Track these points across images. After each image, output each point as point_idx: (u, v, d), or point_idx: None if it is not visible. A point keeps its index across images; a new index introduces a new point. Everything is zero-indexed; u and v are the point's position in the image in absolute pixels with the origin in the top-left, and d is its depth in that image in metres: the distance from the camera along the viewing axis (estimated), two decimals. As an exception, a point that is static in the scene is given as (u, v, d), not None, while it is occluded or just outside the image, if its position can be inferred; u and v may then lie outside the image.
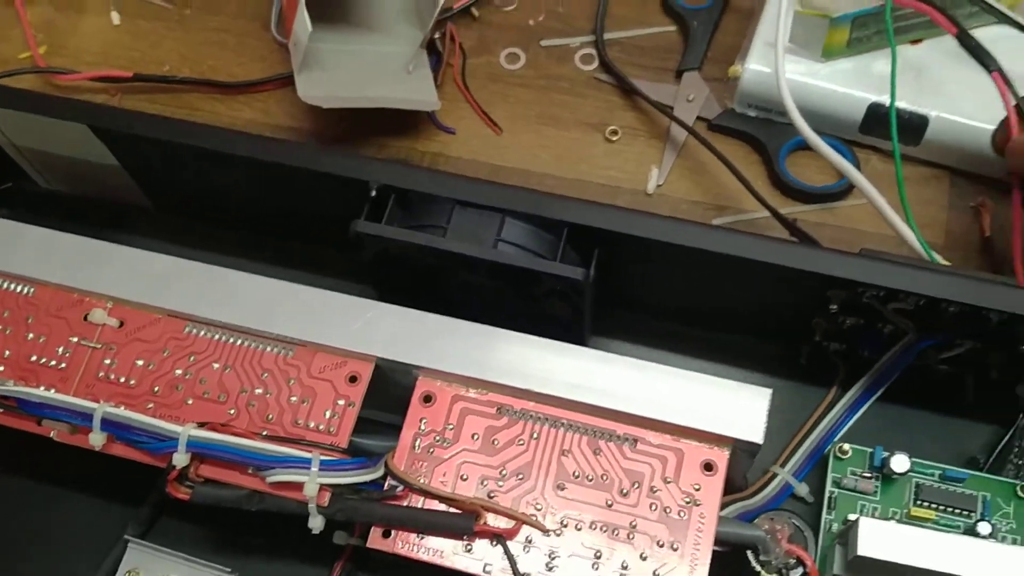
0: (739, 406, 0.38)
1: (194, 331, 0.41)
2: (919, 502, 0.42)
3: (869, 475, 0.43)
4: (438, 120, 0.55)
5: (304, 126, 0.55)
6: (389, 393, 0.40)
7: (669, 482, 0.38)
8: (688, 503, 0.38)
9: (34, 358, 0.41)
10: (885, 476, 0.42)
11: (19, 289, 0.42)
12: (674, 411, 0.38)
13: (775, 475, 0.44)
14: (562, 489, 0.38)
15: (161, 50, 0.58)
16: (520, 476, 0.38)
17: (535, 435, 0.39)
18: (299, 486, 0.37)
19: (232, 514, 0.43)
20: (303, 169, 0.41)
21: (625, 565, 0.37)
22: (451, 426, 0.39)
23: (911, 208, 0.47)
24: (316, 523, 0.38)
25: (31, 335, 0.41)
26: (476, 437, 0.39)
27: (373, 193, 0.41)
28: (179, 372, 0.40)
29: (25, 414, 0.39)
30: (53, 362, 0.40)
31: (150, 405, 0.40)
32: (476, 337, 0.40)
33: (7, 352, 0.41)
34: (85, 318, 0.41)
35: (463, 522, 0.37)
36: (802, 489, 0.44)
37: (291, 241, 0.49)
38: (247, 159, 0.42)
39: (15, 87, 0.47)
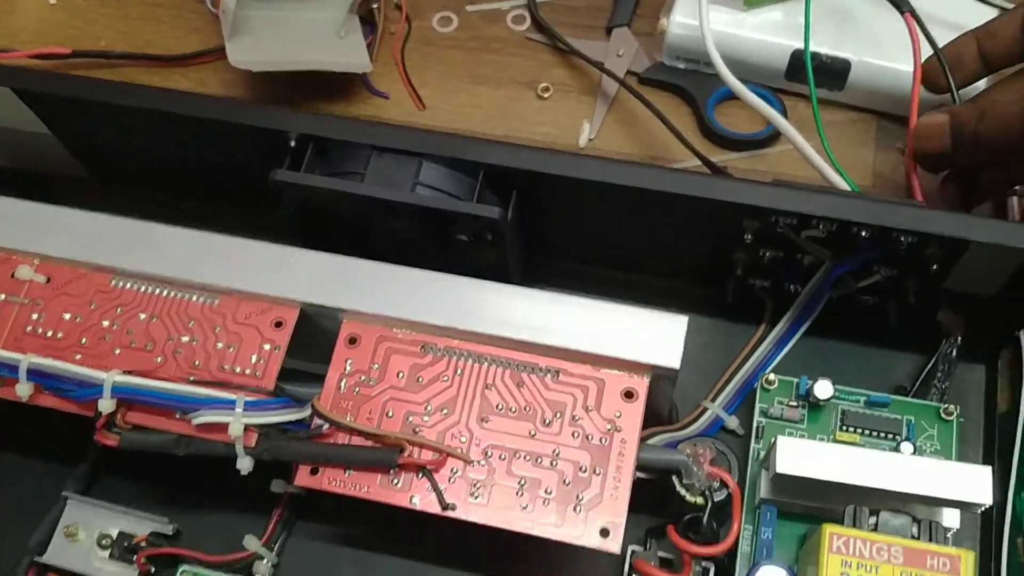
0: (657, 334, 0.39)
1: (120, 284, 0.41)
2: (844, 427, 0.43)
3: (795, 404, 0.43)
4: (371, 85, 0.56)
5: (239, 94, 0.56)
6: (317, 340, 0.41)
7: (590, 410, 0.39)
8: (609, 429, 0.38)
9: (-42, 318, 0.41)
10: (811, 404, 0.43)
11: (-60, 253, 0.42)
12: (593, 341, 0.39)
13: (705, 409, 0.44)
14: (486, 422, 0.39)
15: (97, 27, 0.59)
16: (444, 411, 0.39)
17: (459, 371, 0.40)
18: (225, 427, 0.38)
19: (171, 468, 0.44)
20: (222, 122, 0.42)
21: (548, 491, 0.38)
22: (376, 366, 0.40)
23: (838, 151, 0.48)
24: (244, 464, 0.38)
25: (-45, 295, 0.41)
26: (401, 375, 0.40)
27: (292, 143, 0.42)
28: (106, 324, 0.41)
29: (-52, 370, 0.40)
30: (-21, 320, 0.41)
31: (78, 356, 0.40)
32: (398, 278, 0.40)
33: (-71, 313, 0.41)
34: (12, 275, 0.41)
35: (387, 456, 0.38)
36: (732, 422, 0.45)
37: (218, 202, 0.49)
38: (168, 114, 0.43)
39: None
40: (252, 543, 0.42)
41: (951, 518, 0.38)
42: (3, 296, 0.41)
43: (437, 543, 0.44)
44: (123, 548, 0.43)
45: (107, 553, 0.43)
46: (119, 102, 0.43)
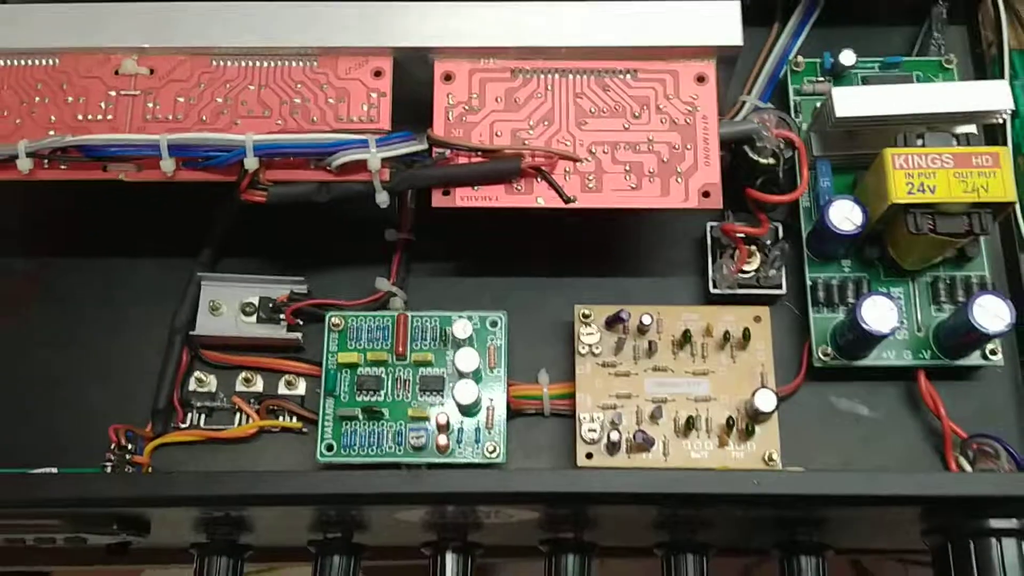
0: (715, 19, 0.44)
1: (221, 62, 0.44)
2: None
3: (822, 79, 0.50)
4: None
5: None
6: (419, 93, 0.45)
7: (671, 98, 0.44)
8: (691, 111, 0.44)
9: (80, 116, 0.43)
10: (836, 75, 0.50)
11: (43, 62, 0.44)
12: (664, 35, 0.44)
13: (744, 102, 0.51)
14: (584, 124, 0.44)
15: None
16: (546, 123, 0.44)
17: (549, 87, 0.44)
18: (362, 166, 0.42)
19: (284, 237, 0.48)
20: None
21: (651, 170, 0.43)
22: (475, 95, 0.44)
23: None
24: (382, 198, 0.43)
25: (70, 98, 0.44)
26: (499, 100, 0.44)
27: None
28: (220, 100, 0.44)
29: (90, 160, 0.42)
30: (100, 116, 0.43)
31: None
32: (476, 13, 0.44)
33: (52, 117, 0.43)
34: (116, 72, 0.44)
35: (511, 164, 0.43)
36: (769, 109, 0.51)
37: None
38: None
39: None
40: (383, 284, 0.47)
41: (971, 130, 0.46)
42: (115, 92, 0.44)
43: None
44: (268, 309, 0.47)
45: (253, 318, 0.47)
46: None
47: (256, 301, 0.47)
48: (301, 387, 0.47)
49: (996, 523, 0.36)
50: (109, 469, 0.44)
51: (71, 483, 0.38)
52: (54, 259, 0.49)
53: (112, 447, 0.45)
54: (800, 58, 0.50)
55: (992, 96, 0.44)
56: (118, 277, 0.49)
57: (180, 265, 0.48)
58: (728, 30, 0.44)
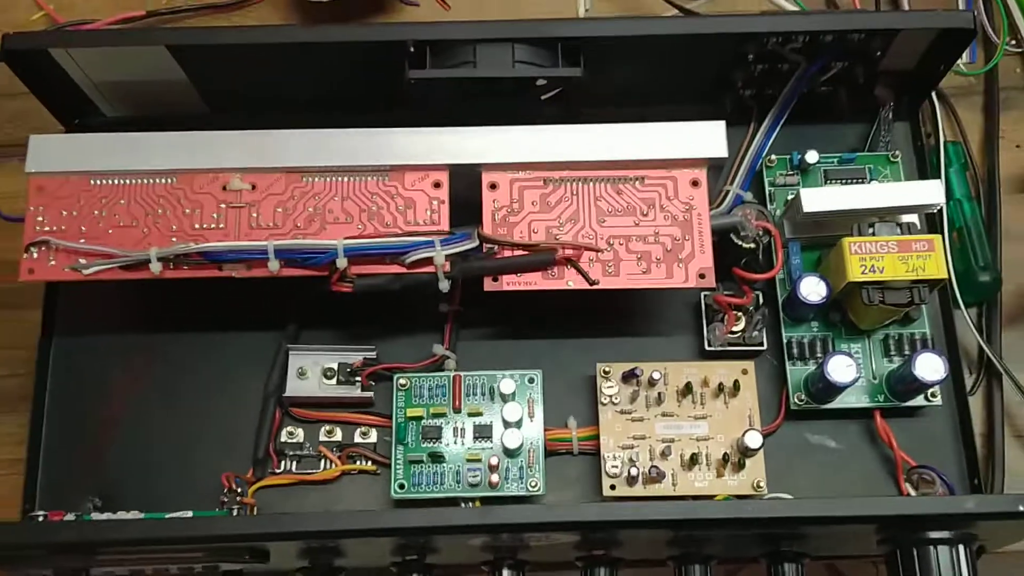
0: (705, 137, 0.55)
1: (310, 179, 0.55)
2: (828, 181, 0.61)
3: (792, 172, 0.61)
4: (403, -4, 0.69)
5: (297, 21, 0.68)
6: (469, 196, 0.55)
7: (672, 199, 0.55)
8: (688, 209, 0.55)
9: (197, 226, 0.54)
10: (803, 170, 0.61)
11: (163, 181, 0.54)
12: (664, 149, 0.55)
13: (728, 191, 0.62)
14: (603, 222, 0.55)
15: (154, -13, 0.69)
16: (573, 221, 0.55)
17: (575, 192, 0.55)
18: (429, 261, 0.53)
19: (353, 315, 0.59)
20: (354, 42, 0.55)
21: (657, 258, 0.54)
22: (516, 200, 0.55)
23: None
24: (444, 285, 0.54)
25: (187, 210, 0.54)
26: (535, 203, 0.55)
27: (412, 49, 0.55)
28: (310, 210, 0.54)
29: (208, 263, 0.53)
30: (212, 225, 0.54)
31: (298, 238, 0.54)
32: (515, 135, 0.55)
33: (174, 226, 0.54)
34: (224, 188, 0.54)
35: (547, 256, 0.54)
36: (748, 196, 0.62)
37: (320, 113, 0.62)
38: (307, 44, 0.55)
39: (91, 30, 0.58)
40: (439, 349, 0.58)
41: (913, 219, 0.57)
42: (224, 205, 0.54)
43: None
44: (346, 373, 0.57)
45: (333, 380, 0.57)
46: (266, 40, 0.56)
47: (335, 366, 0.58)
48: (373, 436, 0.58)
49: (933, 534, 0.47)
50: (225, 508, 0.54)
51: (216, 523, 0.48)
52: (171, 335, 0.60)
53: (225, 490, 0.55)
54: (773, 156, 0.61)
55: (928, 193, 0.56)
56: (221, 350, 0.59)
57: (271, 339, 0.59)
58: (716, 145, 0.55)
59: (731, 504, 0.49)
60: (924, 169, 0.62)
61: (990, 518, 0.46)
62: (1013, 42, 0.68)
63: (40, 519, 0.52)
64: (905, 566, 0.48)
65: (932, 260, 0.54)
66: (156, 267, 0.53)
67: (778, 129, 0.62)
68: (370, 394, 0.58)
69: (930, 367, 0.53)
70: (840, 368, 0.53)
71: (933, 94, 0.63)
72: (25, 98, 0.67)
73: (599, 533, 0.48)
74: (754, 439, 0.54)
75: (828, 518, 0.46)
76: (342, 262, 0.52)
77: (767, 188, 0.61)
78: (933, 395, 0.56)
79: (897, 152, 0.61)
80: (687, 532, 0.48)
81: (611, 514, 0.47)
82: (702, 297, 0.59)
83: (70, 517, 0.53)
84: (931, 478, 0.52)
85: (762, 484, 0.54)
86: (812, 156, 0.60)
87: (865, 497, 0.53)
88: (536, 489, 0.55)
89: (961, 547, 0.47)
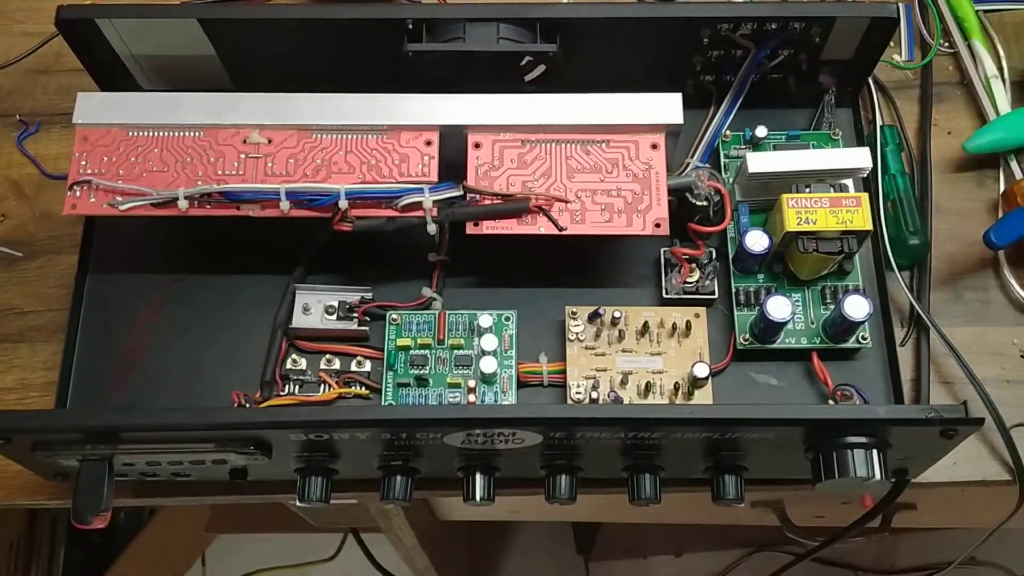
0: (664, 106, 0.63)
1: (319, 135, 0.63)
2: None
3: (744, 147, 0.69)
4: (406, -7, 0.78)
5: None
6: (455, 151, 0.63)
7: (634, 159, 0.63)
8: (647, 169, 0.63)
9: (220, 172, 0.62)
10: (754, 144, 0.69)
11: (192, 134, 0.63)
12: (628, 116, 0.63)
13: (688, 163, 0.69)
14: (572, 178, 0.63)
15: (188, -21, 0.78)
16: (546, 176, 0.63)
17: (549, 152, 0.63)
18: (419, 206, 0.61)
19: (353, 258, 0.66)
20: (366, 19, 0.64)
21: (619, 209, 0.62)
22: (496, 158, 0.63)
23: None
24: (432, 228, 0.61)
25: (212, 159, 0.62)
26: (513, 161, 0.63)
27: (410, 26, 0.64)
28: (318, 162, 0.62)
29: (228, 202, 0.61)
30: (234, 172, 0.62)
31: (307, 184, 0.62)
32: (498, 102, 0.63)
33: (200, 172, 0.62)
34: (244, 141, 0.62)
35: (522, 204, 0.61)
36: (704, 167, 0.70)
37: (332, 86, 0.70)
38: (319, 21, 0.64)
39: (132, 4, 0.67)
40: (427, 291, 0.65)
41: (848, 184, 0.65)
42: (244, 155, 0.62)
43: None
44: (345, 310, 0.65)
45: (334, 316, 0.65)
46: (287, 16, 0.64)
47: (336, 304, 0.65)
48: (367, 366, 0.65)
49: (851, 439, 0.54)
50: (235, 421, 0.61)
51: (231, 413, 0.56)
52: (188, 275, 0.68)
53: (235, 405, 0.62)
54: (728, 132, 0.69)
55: (858, 158, 0.64)
56: (236, 290, 0.67)
57: (280, 281, 0.67)
58: (673, 113, 0.63)
59: (673, 407, 0.56)
60: (862, 147, 0.70)
61: (899, 424, 0.53)
62: (945, 43, 0.76)
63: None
64: (826, 469, 0.55)
65: (859, 214, 0.61)
66: (183, 204, 0.61)
67: (734, 111, 0.70)
68: (366, 328, 0.65)
69: (857, 306, 0.60)
70: (778, 305, 0.61)
71: (874, 85, 0.71)
72: (67, 74, 0.76)
73: (561, 432, 0.55)
74: (701, 369, 0.61)
75: (759, 420, 0.53)
76: (343, 203, 0.60)
77: (722, 160, 0.69)
78: (863, 338, 0.63)
79: (838, 131, 0.69)
80: (631, 434, 0.55)
81: (572, 412, 0.55)
82: (661, 252, 0.67)
83: (98, 421, 0.60)
84: (850, 394, 0.59)
85: (709, 411, 0.61)
86: (761, 131, 0.68)
87: (791, 404, 0.60)
88: (509, 411, 0.62)
89: (875, 452, 0.54)
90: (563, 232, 0.62)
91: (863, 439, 0.54)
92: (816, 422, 0.54)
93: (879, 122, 0.71)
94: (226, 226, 0.62)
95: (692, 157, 0.69)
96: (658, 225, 0.62)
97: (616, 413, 0.54)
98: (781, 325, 0.61)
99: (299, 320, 0.65)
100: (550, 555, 1.54)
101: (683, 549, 1.51)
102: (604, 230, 0.62)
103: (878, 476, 0.54)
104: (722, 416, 0.54)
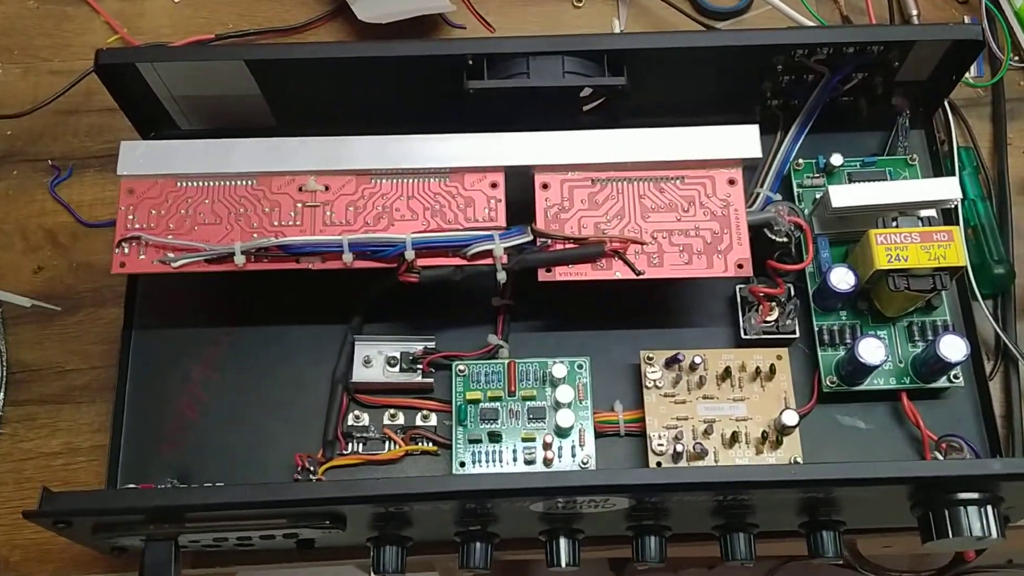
0: (740, 139, 0.60)
1: (378, 180, 0.59)
2: (851, 182, 0.65)
3: (818, 175, 0.66)
4: (450, 20, 0.74)
5: (355, 44, 0.73)
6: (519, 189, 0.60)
7: (711, 197, 0.60)
8: (725, 205, 0.60)
9: (276, 223, 0.58)
10: (828, 172, 0.66)
11: (244, 183, 0.59)
12: (702, 151, 0.60)
13: (759, 193, 0.66)
14: (647, 218, 0.60)
15: (220, 14, 0.75)
16: (619, 217, 0.60)
17: (620, 191, 0.60)
18: (488, 253, 0.57)
19: (415, 307, 0.63)
20: (420, 56, 0.60)
21: (698, 250, 0.59)
22: (566, 198, 0.60)
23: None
24: (502, 276, 0.58)
25: (267, 209, 0.59)
26: (584, 201, 0.60)
27: (470, 62, 0.60)
28: (379, 208, 0.59)
29: (287, 256, 0.57)
30: (290, 222, 0.58)
31: (368, 233, 0.58)
32: (564, 139, 0.60)
33: (254, 223, 0.58)
34: (300, 189, 0.59)
35: (596, 249, 0.58)
36: (777, 197, 0.66)
37: (382, 127, 0.66)
38: (374, 59, 0.61)
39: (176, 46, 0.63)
40: (493, 339, 0.62)
41: (932, 214, 0.62)
42: (300, 204, 0.59)
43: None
44: (408, 361, 0.62)
45: (396, 368, 0.62)
46: (339, 55, 0.61)
47: (398, 355, 0.62)
48: (433, 419, 0.62)
49: (962, 495, 0.51)
50: (300, 485, 0.58)
51: (303, 488, 0.53)
52: (243, 328, 0.64)
53: (298, 469, 0.59)
54: (800, 160, 0.66)
55: (946, 189, 0.60)
56: (291, 341, 0.64)
57: (337, 331, 0.63)
58: (750, 146, 0.60)
59: (771, 468, 0.53)
60: (939, 172, 0.67)
61: (1016, 479, 0.50)
62: (1016, 58, 0.73)
63: (133, 487, 0.56)
64: (938, 528, 0.52)
65: (952, 249, 0.58)
66: (240, 259, 0.57)
67: (804, 136, 0.67)
68: (430, 380, 0.62)
69: (953, 347, 0.57)
70: (870, 349, 0.58)
71: (946, 104, 0.68)
72: (99, 114, 0.72)
73: (649, 497, 0.52)
74: (791, 417, 0.58)
75: (862, 479, 0.50)
76: (410, 254, 0.57)
77: (795, 190, 0.66)
78: (955, 376, 0.60)
79: (915, 156, 0.66)
80: (729, 496, 0.52)
81: (662, 477, 0.51)
82: (737, 290, 0.64)
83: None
84: (959, 445, 0.56)
85: (799, 460, 0.58)
86: (837, 159, 0.65)
87: (899, 461, 0.57)
88: (588, 465, 0.59)
89: (990, 508, 0.51)
90: (641, 276, 0.59)
91: (975, 495, 0.51)
92: (928, 480, 0.51)
93: (955, 144, 0.68)
94: (278, 274, 0.59)
95: (762, 187, 0.66)
96: (740, 266, 0.59)
97: (716, 477, 0.51)
98: (873, 368, 0.58)
99: (360, 374, 0.62)
100: (582, 570, 1.53)
101: (715, 562, 1.49)
102: (684, 273, 0.59)
103: (995, 535, 0.51)
104: (830, 477, 0.51)
